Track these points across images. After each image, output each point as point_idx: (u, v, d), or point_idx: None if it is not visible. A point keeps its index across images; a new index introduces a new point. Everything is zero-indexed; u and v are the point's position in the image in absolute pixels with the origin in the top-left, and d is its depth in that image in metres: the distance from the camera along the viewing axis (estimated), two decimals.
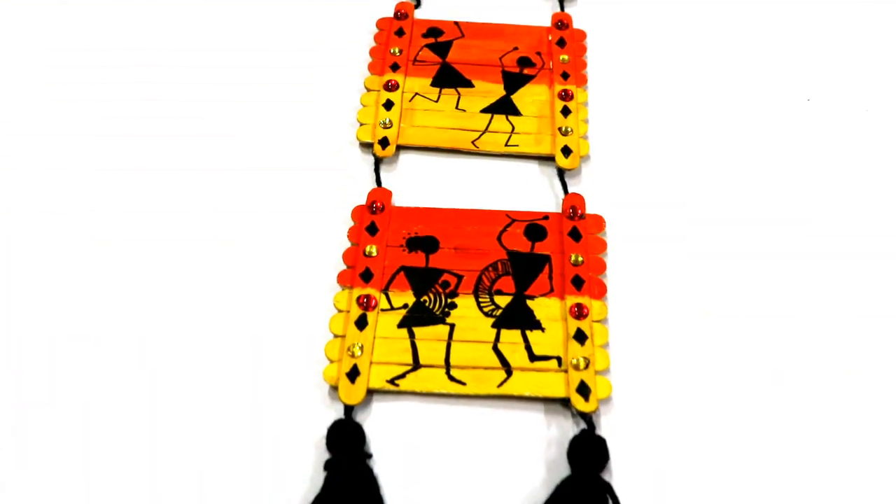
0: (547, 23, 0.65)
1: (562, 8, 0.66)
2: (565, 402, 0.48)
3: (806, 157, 0.58)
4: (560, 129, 0.58)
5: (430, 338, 0.50)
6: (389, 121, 0.58)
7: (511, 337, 0.50)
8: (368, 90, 0.60)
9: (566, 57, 0.62)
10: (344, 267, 0.52)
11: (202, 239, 0.54)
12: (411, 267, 0.52)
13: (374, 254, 0.52)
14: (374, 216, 0.54)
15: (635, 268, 0.53)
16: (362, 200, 0.55)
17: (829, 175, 0.57)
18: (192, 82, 0.61)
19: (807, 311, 0.52)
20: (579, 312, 0.50)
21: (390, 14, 0.65)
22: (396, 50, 0.62)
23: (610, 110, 0.60)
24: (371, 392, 0.48)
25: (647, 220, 0.55)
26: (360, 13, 0.66)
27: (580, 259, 0.52)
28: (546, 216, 0.54)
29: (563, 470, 0.45)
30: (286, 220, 0.55)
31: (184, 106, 0.60)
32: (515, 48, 0.63)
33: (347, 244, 0.53)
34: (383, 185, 0.56)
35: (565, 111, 0.59)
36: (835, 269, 0.53)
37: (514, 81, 0.61)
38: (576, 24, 0.64)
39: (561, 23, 0.64)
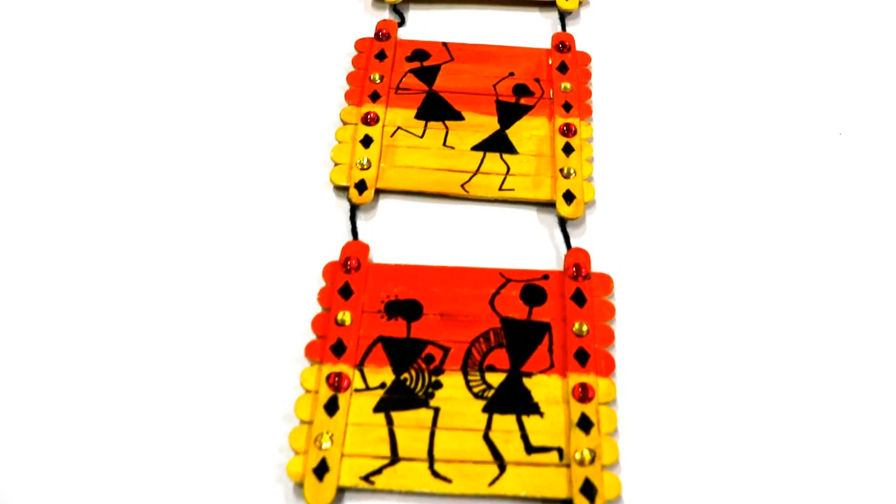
0: (546, 44, 0.57)
1: (563, 27, 0.58)
2: None
3: (831, 194, 0.51)
4: (561, 170, 0.51)
5: (410, 424, 0.43)
6: (368, 161, 0.51)
7: (505, 424, 0.43)
8: (345, 123, 0.53)
9: (568, 85, 0.54)
10: (313, 336, 0.45)
11: (150, 301, 0.47)
12: (390, 338, 0.45)
13: (348, 322, 0.45)
14: (348, 275, 0.47)
15: (648, 338, 0.46)
16: (336, 255, 0.48)
17: (852, 212, 0.51)
18: (141, 121, 0.54)
19: (830, 354, 0.46)
20: (584, 394, 0.43)
21: (370, 34, 0.58)
22: (377, 76, 0.55)
23: (619, 148, 0.53)
24: (342, 490, 0.41)
25: (662, 279, 0.48)
26: (337, 33, 0.58)
27: (585, 328, 0.45)
28: (545, 275, 0.48)
29: None
30: (248, 278, 0.48)
31: (135, 146, 0.53)
32: (511, 74, 0.56)
33: (317, 309, 0.46)
34: (360, 236, 0.49)
35: (567, 149, 0.52)
36: (855, 300, 0.47)
37: (509, 113, 0.54)
38: (579, 46, 0.57)
39: (562, 45, 0.57)
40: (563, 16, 0.59)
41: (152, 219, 0.50)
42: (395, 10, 0.59)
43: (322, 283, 0.47)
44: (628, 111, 0.55)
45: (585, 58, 0.57)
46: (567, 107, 0.54)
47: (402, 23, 0.59)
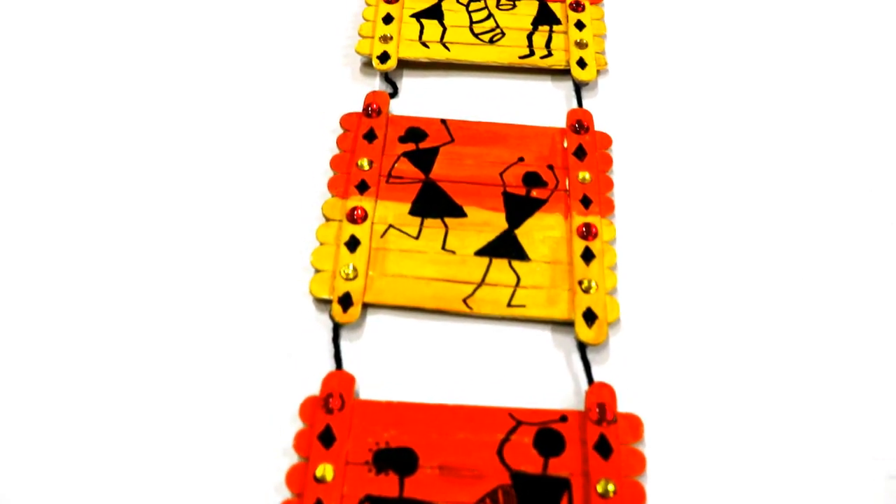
0: (560, 121, 0.50)
1: (579, 101, 0.51)
2: None
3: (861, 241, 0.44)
4: (580, 282, 0.43)
5: None
6: (354, 269, 0.44)
7: None
8: (328, 219, 0.46)
9: (587, 175, 0.47)
10: (287, 494, 0.38)
11: None
12: (379, 497, 0.38)
13: (329, 478, 0.38)
14: (330, 416, 0.40)
15: (682, 488, 0.39)
16: (315, 387, 0.41)
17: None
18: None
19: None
20: None
21: (358, 106, 0.50)
22: (365, 162, 0.47)
23: (646, 251, 0.46)
24: None
25: (697, 420, 0.41)
26: (320, 106, 0.51)
27: (611, 489, 0.38)
28: (563, 416, 0.40)
29: None
30: (215, 415, 0.40)
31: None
32: (520, 159, 0.48)
33: (293, 458, 0.39)
34: (344, 365, 0.42)
35: (587, 255, 0.44)
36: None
37: (519, 208, 0.47)
38: (598, 124, 0.50)
39: (579, 124, 0.49)
40: (579, 87, 0.52)
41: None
42: (387, 78, 0.52)
43: (299, 424, 0.40)
44: (656, 204, 0.48)
45: (605, 139, 0.49)
46: (586, 202, 0.46)
47: (394, 93, 0.51)
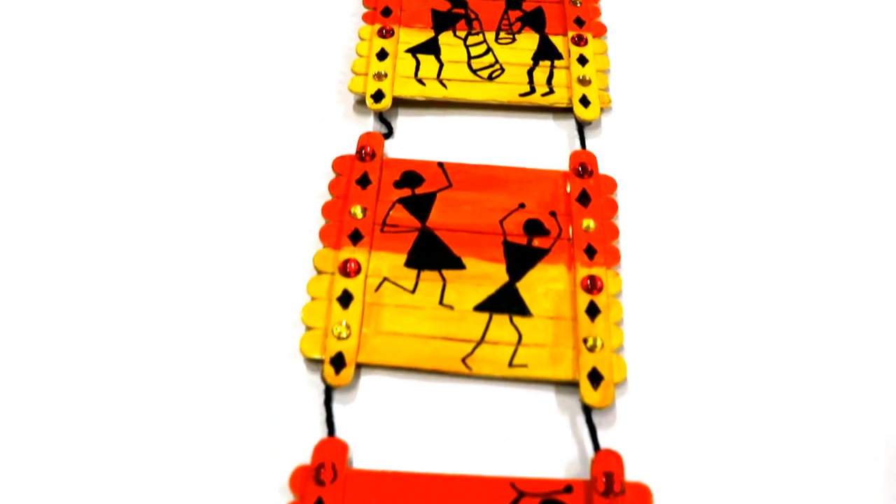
0: (563, 162, 0.48)
1: (582, 143, 0.49)
2: None
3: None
4: (585, 340, 0.41)
5: None
6: (347, 326, 0.41)
7: None
8: (319, 272, 0.44)
9: (591, 224, 0.45)
10: None
11: None
12: None
13: None
14: (321, 489, 0.37)
15: None
16: (306, 457, 0.39)
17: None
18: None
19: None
20: None
21: (351, 148, 0.48)
22: (358, 211, 0.45)
23: (654, 304, 0.44)
24: None
25: (705, 485, 0.39)
26: (312, 148, 0.49)
27: None
28: (568, 487, 0.38)
29: None
30: (200, 496, 0.38)
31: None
32: (521, 206, 0.46)
33: None
34: (337, 429, 0.40)
35: (592, 310, 0.42)
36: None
37: (520, 259, 0.44)
38: (602, 166, 0.47)
39: (582, 167, 0.47)
40: (582, 127, 0.49)
41: None
42: (382, 118, 0.50)
43: (289, 496, 0.38)
44: (663, 253, 0.45)
45: (610, 183, 0.47)
46: (590, 252, 0.44)
47: (389, 134, 0.49)
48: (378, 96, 0.50)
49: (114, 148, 0.49)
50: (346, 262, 0.43)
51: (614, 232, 0.45)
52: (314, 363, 0.41)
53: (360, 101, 0.50)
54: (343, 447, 0.39)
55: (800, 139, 0.50)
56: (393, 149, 0.49)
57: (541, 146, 0.49)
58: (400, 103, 0.50)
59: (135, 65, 0.52)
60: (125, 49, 0.53)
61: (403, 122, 0.50)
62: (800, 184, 0.48)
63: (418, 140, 0.49)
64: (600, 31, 0.54)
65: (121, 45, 0.53)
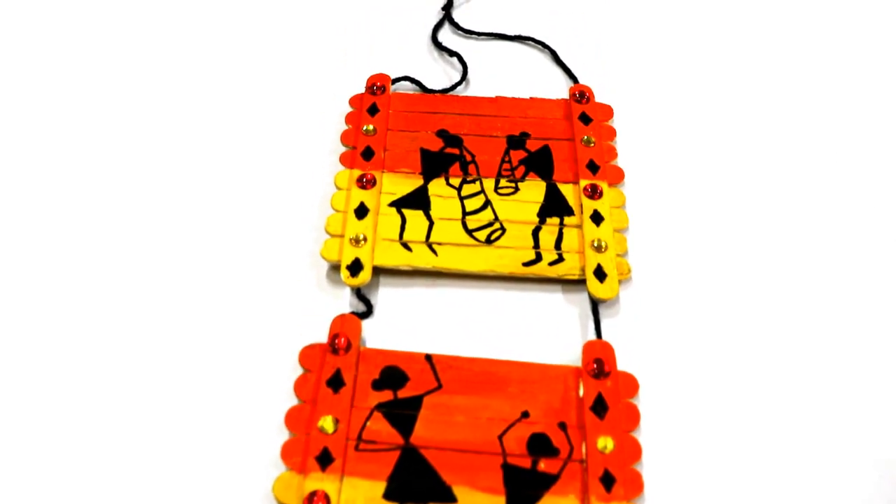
0: (575, 349, 0.40)
1: (598, 327, 0.41)
2: None
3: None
4: None
5: None
6: None
7: None
8: None
9: (609, 443, 0.37)
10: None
11: None
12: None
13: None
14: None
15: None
16: None
17: None
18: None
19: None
20: None
21: (323, 333, 0.40)
22: (329, 423, 0.37)
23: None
24: None
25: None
26: (278, 331, 0.41)
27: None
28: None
29: None
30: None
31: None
32: (525, 414, 0.38)
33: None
34: None
35: None
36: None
37: (521, 487, 0.36)
38: (621, 358, 0.40)
39: (598, 366, 0.39)
40: (597, 306, 0.42)
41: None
42: (360, 295, 0.42)
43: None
44: (690, 482, 0.38)
45: (631, 383, 0.39)
46: (608, 481, 0.36)
47: (367, 313, 0.42)
48: (355, 268, 0.42)
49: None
50: (313, 494, 0.36)
51: (637, 450, 0.37)
52: None
53: (336, 267, 0.43)
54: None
55: (815, 193, 0.45)
56: (372, 331, 0.41)
57: (548, 327, 0.42)
58: (382, 271, 0.43)
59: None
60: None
61: (385, 296, 0.42)
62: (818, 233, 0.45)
63: (402, 319, 0.42)
64: (617, 177, 0.46)
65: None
